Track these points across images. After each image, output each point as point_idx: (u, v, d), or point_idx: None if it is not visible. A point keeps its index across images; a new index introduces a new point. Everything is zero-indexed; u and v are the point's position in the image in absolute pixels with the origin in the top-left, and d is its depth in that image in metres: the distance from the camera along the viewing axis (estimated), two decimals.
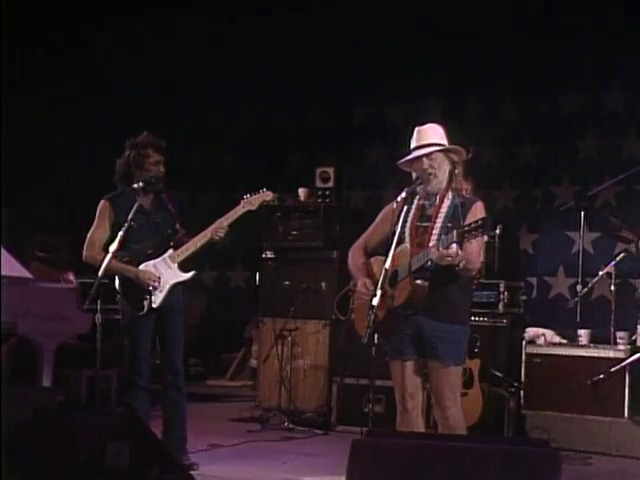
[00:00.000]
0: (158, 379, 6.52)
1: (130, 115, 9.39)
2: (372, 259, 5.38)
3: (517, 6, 8.49)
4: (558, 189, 9.04)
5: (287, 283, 8.52)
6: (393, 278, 5.10)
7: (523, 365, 7.51)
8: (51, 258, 8.61)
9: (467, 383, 7.12)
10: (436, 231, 5.15)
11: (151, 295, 6.22)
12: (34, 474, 4.24)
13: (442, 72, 9.02)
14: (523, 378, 7.51)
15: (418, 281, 5.08)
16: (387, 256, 5.04)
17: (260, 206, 6.51)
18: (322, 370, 8.29)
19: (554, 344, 7.58)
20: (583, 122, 8.96)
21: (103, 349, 6.10)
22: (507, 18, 8.64)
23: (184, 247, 6.31)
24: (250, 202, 6.41)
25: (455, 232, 4.87)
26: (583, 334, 7.53)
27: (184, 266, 6.33)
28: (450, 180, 5.22)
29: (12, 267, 7.02)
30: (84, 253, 6.32)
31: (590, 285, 7.62)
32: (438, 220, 5.18)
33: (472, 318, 5.88)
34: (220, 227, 6.30)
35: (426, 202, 5.26)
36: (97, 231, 6.32)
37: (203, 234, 6.30)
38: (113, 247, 5.99)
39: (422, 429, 5.33)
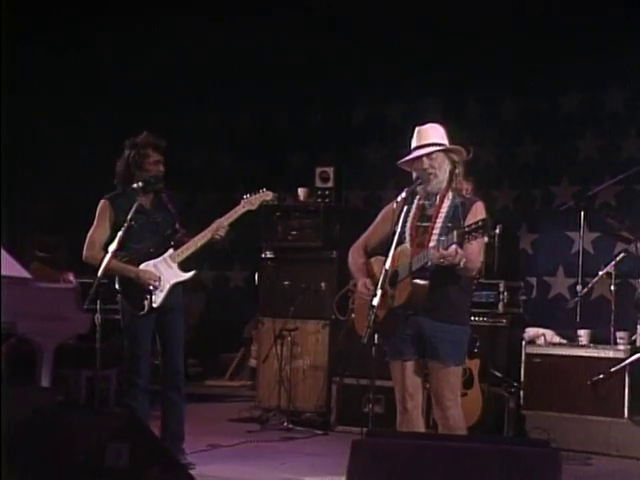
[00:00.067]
0: (157, 379, 6.52)
1: (130, 115, 9.38)
2: (372, 259, 5.37)
3: (517, 6, 8.49)
4: (558, 189, 9.05)
5: (287, 283, 8.51)
6: (393, 278, 5.10)
7: (523, 365, 7.50)
8: (51, 258, 8.61)
9: (467, 383, 7.11)
10: (436, 231, 5.15)
11: (151, 295, 6.22)
12: (34, 475, 4.23)
13: (442, 72, 9.03)
14: (523, 378, 7.50)
15: (418, 281, 5.07)
16: (387, 256, 5.03)
17: (260, 206, 6.51)
18: (322, 370, 8.28)
19: (554, 344, 7.58)
20: (583, 122, 8.97)
21: (102, 349, 6.09)
22: (507, 18, 8.63)
23: (184, 247, 6.32)
24: (250, 202, 6.41)
25: (455, 233, 4.87)
26: (583, 334, 7.52)
27: (184, 266, 6.33)
28: (450, 180, 5.22)
29: (11, 267, 7.01)
30: (84, 253, 6.31)
31: (590, 285, 7.62)
32: (438, 220, 5.18)
33: (472, 318, 5.86)
34: (221, 227, 6.30)
35: (426, 202, 5.26)
36: (97, 231, 6.31)
37: (203, 234, 6.30)
38: (112, 247, 5.98)
39: (422, 429, 5.33)
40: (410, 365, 5.21)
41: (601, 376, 7.16)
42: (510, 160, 9.29)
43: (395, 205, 5.24)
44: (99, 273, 5.89)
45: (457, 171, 5.22)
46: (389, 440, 4.24)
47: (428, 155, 5.17)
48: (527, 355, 7.51)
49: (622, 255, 7.43)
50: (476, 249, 5.11)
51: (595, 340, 7.48)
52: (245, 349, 10.48)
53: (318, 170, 8.70)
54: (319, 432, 7.96)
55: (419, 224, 5.22)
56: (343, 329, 7.82)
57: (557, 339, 7.65)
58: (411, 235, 5.20)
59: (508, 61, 8.77)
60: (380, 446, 4.15)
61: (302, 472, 6.56)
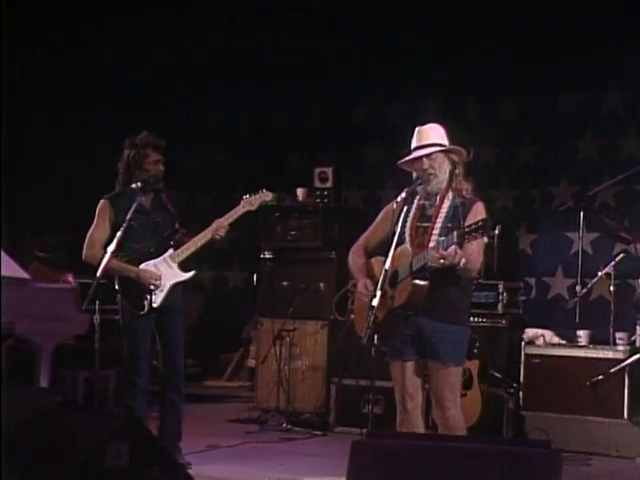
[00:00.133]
0: (156, 380, 6.51)
1: (130, 115, 9.38)
2: (373, 259, 5.36)
3: (517, 6, 8.47)
4: (557, 189, 9.04)
5: (285, 283, 8.51)
6: (393, 279, 5.09)
7: (522, 366, 7.50)
8: (51, 258, 8.60)
9: (466, 384, 7.11)
10: (436, 231, 5.14)
11: (151, 295, 6.22)
12: (33, 475, 4.23)
13: (442, 72, 9.02)
14: (522, 379, 7.50)
15: (418, 281, 5.06)
16: (387, 256, 5.03)
17: (259, 206, 6.51)
18: (320, 371, 8.28)
19: (553, 345, 7.58)
20: (582, 122, 8.96)
21: (101, 350, 6.08)
22: (507, 18, 8.62)
23: (184, 247, 6.32)
24: (250, 202, 6.42)
25: (455, 233, 4.86)
26: (582, 335, 7.52)
27: (184, 266, 6.33)
28: (450, 180, 5.21)
29: (10, 267, 7.00)
30: (84, 252, 6.31)
31: (589, 286, 7.61)
32: (438, 220, 5.17)
33: (471, 319, 5.86)
34: (221, 227, 6.30)
35: (426, 202, 5.25)
36: (97, 230, 6.31)
37: (203, 234, 6.30)
38: (111, 247, 5.98)
39: (422, 430, 5.32)
40: (410, 365, 5.21)
41: (600, 377, 7.16)
42: (509, 160, 9.28)
43: (395, 205, 5.24)
44: (98, 273, 5.88)
45: (457, 171, 5.21)
46: (389, 441, 4.23)
47: (428, 155, 5.17)
48: (526, 356, 7.51)
49: (621, 255, 7.42)
50: (476, 249, 5.10)
51: (594, 341, 7.48)
52: (244, 350, 10.47)
53: (317, 170, 8.70)
54: (318, 433, 7.95)
55: (419, 224, 5.21)
56: (342, 329, 7.82)
57: (556, 340, 7.65)
58: (411, 235, 5.19)
59: (508, 61, 8.76)
60: (380, 447, 4.14)
61: (301, 473, 6.55)
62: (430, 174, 5.18)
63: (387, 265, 5.00)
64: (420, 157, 5.19)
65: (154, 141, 6.34)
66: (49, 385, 7.08)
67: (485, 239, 5.09)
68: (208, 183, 10.80)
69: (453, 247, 4.88)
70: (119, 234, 6.00)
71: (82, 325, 7.17)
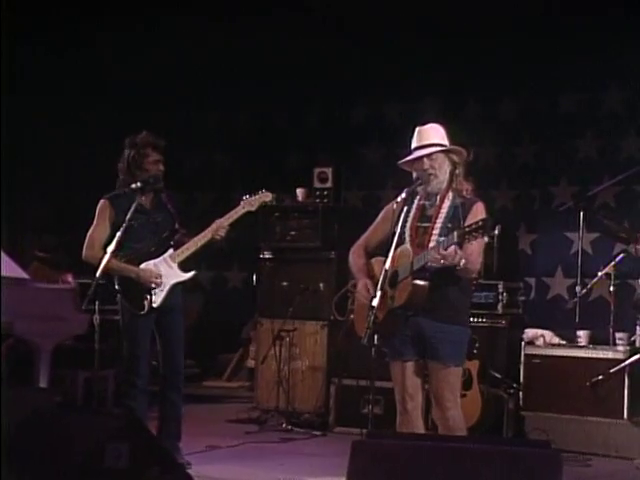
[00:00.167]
0: (156, 381, 6.50)
1: (130, 115, 9.37)
2: (373, 260, 5.36)
3: (517, 6, 8.47)
4: (557, 189, 9.03)
5: (285, 284, 8.50)
6: (393, 279, 5.08)
7: (522, 366, 7.49)
8: (51, 259, 8.61)
9: (466, 384, 7.10)
10: (436, 231, 5.14)
11: (151, 295, 6.22)
12: (33, 476, 4.22)
13: (441, 72, 9.02)
14: (522, 379, 7.49)
15: (418, 282, 5.05)
16: (387, 257, 5.02)
17: (259, 207, 6.51)
18: (320, 371, 8.27)
19: (553, 345, 7.57)
20: (582, 122, 8.95)
21: (101, 350, 6.07)
22: (507, 18, 8.62)
23: (184, 247, 6.32)
24: (250, 203, 6.42)
25: (456, 233, 4.85)
26: (582, 335, 7.51)
27: (184, 266, 6.33)
28: (451, 180, 5.20)
29: (9, 267, 7.00)
30: (84, 252, 6.30)
31: (589, 286, 7.60)
32: (438, 220, 5.16)
33: (471, 319, 5.84)
34: (221, 227, 6.30)
35: (426, 202, 5.24)
36: (97, 230, 6.31)
37: (203, 234, 6.30)
38: (111, 247, 5.97)
39: (422, 430, 5.31)
40: (410, 366, 5.20)
41: (600, 377, 7.15)
42: (509, 160, 9.27)
43: (395, 205, 5.23)
44: (98, 273, 5.87)
45: (457, 171, 5.21)
46: (389, 441, 4.23)
47: (428, 156, 5.16)
48: (526, 356, 7.50)
49: (621, 256, 7.40)
50: (476, 250, 5.10)
51: (594, 341, 7.47)
52: (243, 350, 10.46)
53: (316, 170, 8.69)
54: (318, 433, 7.95)
55: (419, 224, 5.21)
56: (342, 330, 7.82)
57: (556, 340, 7.65)
58: (411, 236, 5.18)
59: (508, 61, 8.76)
60: (380, 447, 4.14)
61: (301, 473, 6.54)
62: (430, 174, 5.17)
63: (387, 265, 5.00)
64: (420, 157, 5.18)
65: (154, 141, 6.34)
66: (48, 385, 7.07)
67: (486, 239, 5.08)
68: (208, 183, 10.79)
69: (453, 247, 4.88)
70: (119, 234, 5.99)
71: (81, 325, 7.17)
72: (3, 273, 6.86)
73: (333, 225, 8.47)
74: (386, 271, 4.99)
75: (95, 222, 6.33)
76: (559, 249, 8.82)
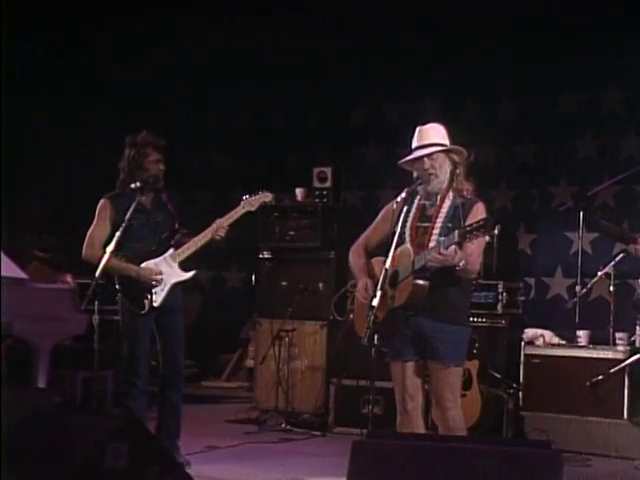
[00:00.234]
0: (155, 381, 6.49)
1: (130, 115, 9.38)
2: (373, 260, 5.35)
3: (517, 6, 8.47)
4: (556, 189, 9.03)
5: (284, 284, 8.50)
6: (393, 279, 5.07)
7: (522, 366, 7.49)
8: (50, 258, 8.60)
9: (466, 384, 7.08)
10: (436, 231, 5.13)
11: (152, 294, 6.21)
12: (33, 476, 4.21)
13: (441, 72, 9.01)
14: (522, 379, 7.49)
15: (419, 282, 5.04)
16: (387, 256, 5.01)
17: (259, 207, 6.51)
18: (319, 371, 8.27)
19: (553, 345, 7.57)
20: (582, 122, 8.95)
21: (100, 350, 6.07)
22: (507, 18, 8.61)
23: (185, 247, 6.32)
24: (250, 203, 6.42)
25: (456, 232, 4.85)
26: (582, 335, 7.51)
27: (184, 265, 6.32)
28: (451, 180, 5.19)
29: (7, 267, 6.99)
30: (83, 251, 6.29)
31: (589, 286, 7.59)
32: (438, 220, 5.15)
33: (470, 319, 5.84)
34: (221, 227, 6.30)
35: (427, 202, 5.23)
36: (97, 229, 6.30)
37: (204, 234, 6.30)
38: (110, 247, 5.97)
39: (422, 430, 5.30)
40: (410, 366, 5.19)
41: (600, 377, 7.15)
42: (509, 160, 9.27)
43: (395, 205, 5.22)
44: (97, 273, 5.87)
45: (458, 171, 5.20)
46: (389, 441, 4.23)
47: (429, 155, 5.15)
48: (526, 356, 7.50)
49: (621, 255, 7.39)
50: (476, 250, 5.09)
51: (594, 341, 7.47)
52: (242, 350, 10.46)
53: (316, 170, 8.69)
54: (317, 433, 7.94)
55: (419, 224, 5.20)
56: (341, 330, 7.82)
57: (556, 340, 7.64)
58: (411, 235, 5.17)
59: (508, 61, 8.76)
60: (380, 447, 4.13)
61: (300, 473, 6.54)
62: (431, 174, 5.16)
63: (387, 265, 4.99)
64: (421, 157, 5.17)
65: (154, 140, 6.34)
66: (47, 385, 7.06)
67: (487, 238, 5.07)
68: (207, 183, 10.79)
69: (453, 247, 4.87)
70: (118, 234, 6.00)
71: (80, 325, 7.15)
72: (2, 273, 6.85)
73: (332, 225, 8.46)
74: (386, 271, 4.98)
75: (95, 221, 6.33)
76: (559, 249, 8.81)
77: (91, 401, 7.51)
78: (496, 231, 7.92)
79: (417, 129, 5.26)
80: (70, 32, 9.91)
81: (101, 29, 9.87)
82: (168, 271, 6.28)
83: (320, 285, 8.38)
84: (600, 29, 8.33)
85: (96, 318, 5.95)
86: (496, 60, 8.79)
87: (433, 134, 5.21)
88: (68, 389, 8.04)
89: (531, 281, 8.93)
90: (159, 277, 6.23)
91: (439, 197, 5.19)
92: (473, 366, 7.24)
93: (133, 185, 6.21)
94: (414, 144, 5.24)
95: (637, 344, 7.31)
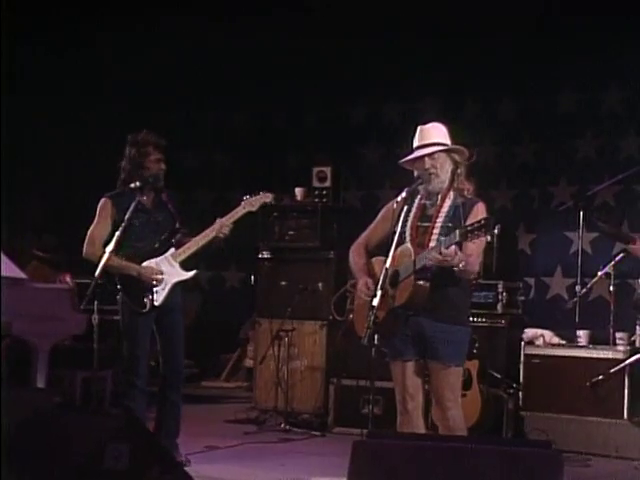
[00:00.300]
0: (154, 381, 6.49)
1: (130, 115, 9.38)
2: (373, 259, 5.34)
3: (517, 6, 8.47)
4: (556, 189, 9.03)
5: (284, 283, 8.49)
6: (394, 278, 5.06)
7: (522, 366, 7.48)
8: (50, 258, 8.59)
9: (465, 384, 7.06)
10: (436, 231, 5.12)
11: (153, 293, 6.21)
12: (33, 476, 4.20)
13: (441, 72, 9.01)
14: (522, 379, 7.48)
15: (419, 282, 5.03)
16: (387, 256, 5.00)
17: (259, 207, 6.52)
18: (319, 371, 8.26)
19: (553, 345, 7.56)
20: (582, 122, 8.95)
21: (99, 350, 6.06)
22: (507, 18, 8.61)
23: (186, 246, 6.33)
24: (250, 203, 6.43)
25: (457, 232, 4.84)
26: (582, 335, 7.50)
27: (184, 265, 6.33)
28: (452, 180, 5.18)
29: (6, 267, 6.98)
30: (84, 249, 6.29)
31: (589, 285, 7.59)
32: (439, 220, 5.15)
33: (470, 319, 5.83)
34: (225, 224, 6.31)
35: (427, 202, 5.23)
36: (98, 228, 6.30)
37: (205, 233, 6.31)
38: (110, 247, 5.97)
39: (423, 430, 5.30)
40: (411, 366, 5.19)
41: (600, 377, 7.14)
42: (509, 160, 9.27)
43: (395, 205, 5.21)
44: (97, 273, 5.87)
45: (459, 171, 5.19)
46: (390, 441, 4.22)
47: (430, 155, 5.14)
48: (526, 356, 7.49)
49: (621, 255, 7.39)
50: (476, 251, 5.08)
51: (594, 341, 7.46)
52: (241, 350, 10.45)
53: (315, 170, 8.68)
54: (316, 433, 7.93)
55: (419, 224, 5.19)
56: (341, 330, 7.81)
57: (556, 340, 7.63)
58: (411, 235, 5.16)
59: (508, 61, 8.76)
60: (381, 447, 4.12)
61: (300, 473, 6.53)
62: (431, 173, 5.16)
63: (388, 264, 4.98)
64: (422, 156, 5.16)
65: (155, 140, 6.34)
66: (46, 385, 7.05)
67: (488, 238, 5.06)
68: (206, 182, 10.79)
69: (453, 248, 4.86)
70: (118, 233, 6.01)
71: (79, 325, 7.14)
72: (2, 273, 6.84)
73: (332, 225, 8.45)
74: (387, 270, 4.97)
75: (96, 220, 6.33)
76: (558, 249, 8.81)
77: (90, 401, 7.50)
78: (496, 231, 7.92)
79: (418, 128, 5.25)
80: (70, 32, 9.92)
81: (101, 29, 9.89)
82: (169, 270, 6.28)
83: (319, 285, 8.37)
84: (600, 29, 8.33)
85: (95, 318, 5.95)
86: (496, 60, 8.80)
87: (434, 133, 5.21)
88: (67, 389, 8.03)
89: (531, 281, 8.93)
90: (160, 276, 6.23)
91: (440, 197, 5.19)
92: (473, 366, 7.24)
93: (133, 184, 6.21)
94: (415, 143, 5.23)
95: (637, 344, 7.30)
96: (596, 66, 8.50)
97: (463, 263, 4.92)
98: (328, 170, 8.62)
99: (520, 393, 7.48)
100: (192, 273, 6.35)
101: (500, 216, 8.74)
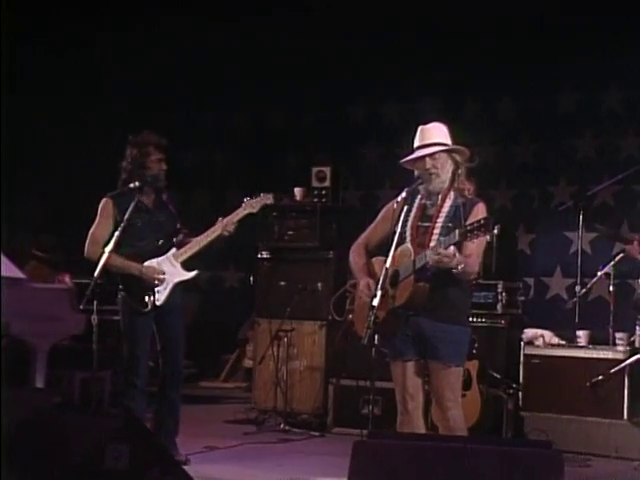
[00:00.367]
0: (154, 381, 6.48)
1: (130, 115, 9.38)
2: (373, 259, 5.33)
3: (517, 6, 8.46)
4: (556, 189, 9.03)
5: (283, 283, 8.48)
6: (394, 278, 5.06)
7: (521, 366, 7.47)
8: (49, 258, 8.58)
9: (465, 384, 7.04)
10: (437, 231, 5.12)
11: (154, 293, 6.21)
12: (33, 477, 4.19)
13: (441, 72, 9.01)
14: (521, 379, 7.47)
15: (419, 282, 5.03)
16: (388, 256, 5.00)
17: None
18: (318, 371, 8.25)
19: (553, 345, 7.56)
20: (581, 121, 8.95)
21: (98, 350, 6.05)
22: (507, 18, 8.62)
23: (188, 246, 6.34)
24: (251, 205, 6.46)
25: (457, 232, 4.83)
26: (582, 335, 7.49)
27: (185, 265, 6.32)
28: (453, 180, 5.18)
29: (5, 267, 6.97)
30: (86, 249, 6.29)
31: (589, 286, 7.58)
32: (439, 220, 5.14)
33: (470, 319, 5.82)
34: (230, 222, 6.32)
35: (427, 202, 5.22)
36: (99, 228, 6.30)
37: (206, 234, 6.33)
38: (110, 246, 5.97)
39: (423, 430, 5.29)
40: (411, 366, 5.18)
41: (600, 377, 7.13)
42: (508, 160, 9.27)
43: (395, 204, 5.20)
44: (96, 273, 5.86)
45: (460, 171, 5.19)
46: (390, 441, 4.22)
47: (431, 155, 5.14)
48: (526, 356, 7.48)
49: (620, 255, 7.38)
50: (475, 251, 5.08)
51: (594, 341, 7.45)
52: (240, 350, 10.44)
53: (315, 170, 8.67)
54: (316, 434, 7.92)
55: (420, 224, 5.18)
56: (340, 330, 7.80)
57: (556, 340, 7.63)
58: (412, 235, 5.16)
59: (507, 61, 8.76)
60: (381, 447, 4.13)
61: (299, 473, 6.53)
62: (432, 174, 5.15)
63: (388, 264, 4.97)
64: (423, 156, 5.15)
65: (156, 140, 6.36)
66: (45, 386, 7.04)
67: (488, 238, 5.05)
68: (206, 182, 10.79)
69: (452, 249, 4.85)
70: (117, 233, 6.02)
71: (77, 326, 7.13)
72: (1, 273, 6.83)
73: (331, 225, 8.45)
74: (387, 270, 4.97)
75: (97, 220, 6.33)
76: (558, 249, 8.81)
77: (89, 401, 7.49)
78: (496, 231, 7.88)
79: (419, 128, 5.25)
80: (70, 32, 9.93)
81: (101, 29, 9.90)
82: (171, 270, 6.29)
83: (319, 285, 8.36)
84: (600, 29, 8.34)
85: (95, 318, 5.94)
86: (496, 60, 8.80)
87: (435, 133, 5.20)
88: (66, 389, 8.02)
89: (530, 281, 8.92)
90: (162, 276, 6.23)
91: (440, 197, 5.18)
92: (473, 366, 7.22)
93: (132, 185, 6.21)
94: (416, 143, 5.22)
95: (637, 344, 7.29)
96: (596, 66, 8.50)
97: (462, 265, 4.91)
98: (327, 170, 8.62)
99: (520, 393, 7.47)
100: (193, 273, 6.37)
101: (500, 216, 8.68)
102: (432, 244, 5.04)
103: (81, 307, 6.08)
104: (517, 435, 7.35)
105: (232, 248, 9.05)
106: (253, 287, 8.73)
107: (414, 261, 5.00)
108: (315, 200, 8.56)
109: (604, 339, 7.38)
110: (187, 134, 10.22)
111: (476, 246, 5.04)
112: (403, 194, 5.18)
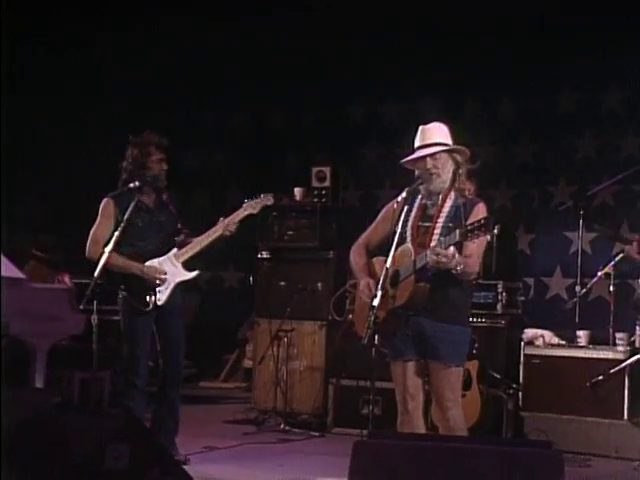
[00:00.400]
0: (153, 381, 6.48)
1: (130, 115, 9.38)
2: (374, 259, 5.33)
3: (517, 6, 8.47)
4: (556, 189, 9.03)
5: (283, 283, 8.48)
6: (394, 278, 5.06)
7: (522, 366, 7.47)
8: (48, 258, 8.58)
9: (465, 384, 7.03)
10: (437, 231, 5.11)
11: (156, 292, 6.21)
12: (32, 477, 4.19)
13: (441, 72, 9.01)
14: (521, 379, 7.47)
15: (419, 282, 5.02)
16: (388, 256, 4.99)
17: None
18: (318, 371, 8.25)
19: (553, 345, 7.55)
20: (581, 121, 8.96)
21: (98, 350, 6.05)
22: (507, 18, 8.62)
23: (189, 246, 6.35)
24: (252, 206, 6.48)
25: (458, 231, 4.83)
26: (582, 335, 7.49)
27: (186, 265, 6.33)
28: (453, 180, 5.17)
29: (5, 267, 6.96)
30: (88, 249, 6.28)
31: (589, 286, 7.58)
32: (439, 220, 5.14)
33: (470, 319, 5.82)
34: (232, 222, 6.33)
35: (428, 202, 5.22)
36: (100, 228, 6.30)
37: (207, 234, 6.33)
38: (110, 246, 5.97)
39: (423, 430, 5.29)
40: (411, 366, 5.18)
41: (600, 377, 7.13)
42: (508, 159, 9.27)
43: (396, 205, 5.20)
44: (96, 272, 5.86)
45: (460, 171, 5.18)
46: (390, 441, 4.22)
47: (432, 155, 5.13)
48: (526, 356, 7.48)
49: (620, 255, 7.38)
50: (475, 251, 5.07)
51: (594, 341, 7.45)
52: (240, 350, 10.44)
53: (314, 170, 8.67)
54: (315, 434, 7.92)
55: (420, 224, 5.18)
56: (340, 330, 7.80)
57: (556, 340, 7.62)
58: (412, 235, 5.15)
59: (508, 61, 8.76)
60: (381, 447, 4.13)
61: (299, 473, 6.52)
62: (433, 174, 5.14)
63: (388, 264, 4.97)
64: (424, 156, 5.15)
65: (157, 140, 6.36)
66: (44, 386, 7.04)
67: (488, 237, 5.04)
68: (205, 182, 10.79)
69: (452, 250, 4.84)
70: (117, 233, 6.02)
71: (77, 326, 7.13)
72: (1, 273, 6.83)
73: (331, 225, 8.45)
74: (387, 270, 4.96)
75: (99, 220, 6.33)
76: (558, 249, 8.81)
77: (89, 401, 7.49)
78: (496, 231, 7.88)
79: (420, 128, 5.24)
80: (70, 32, 9.94)
81: (101, 29, 9.90)
82: (172, 270, 6.29)
83: (319, 285, 8.36)
84: (600, 29, 8.34)
85: (95, 318, 5.94)
86: (496, 60, 8.80)
87: (436, 133, 5.19)
88: (65, 389, 8.01)
89: (530, 281, 8.92)
90: (163, 276, 6.24)
91: (441, 197, 5.17)
92: (473, 366, 7.22)
93: (132, 185, 6.21)
94: (417, 143, 5.22)
95: (637, 344, 7.29)
96: (596, 66, 8.50)
97: (461, 266, 4.91)
98: (327, 170, 8.62)
99: (520, 393, 7.46)
100: (194, 273, 6.37)
101: (500, 216, 8.67)
102: (433, 244, 5.04)
103: (81, 307, 6.08)
104: (517, 435, 7.35)
105: (232, 248, 9.07)
106: (253, 287, 8.73)
107: (414, 261, 5.00)
108: (315, 200, 8.56)
109: (604, 339, 7.38)
110: (187, 134, 10.22)
111: (476, 246, 5.03)
112: (403, 194, 5.17)
